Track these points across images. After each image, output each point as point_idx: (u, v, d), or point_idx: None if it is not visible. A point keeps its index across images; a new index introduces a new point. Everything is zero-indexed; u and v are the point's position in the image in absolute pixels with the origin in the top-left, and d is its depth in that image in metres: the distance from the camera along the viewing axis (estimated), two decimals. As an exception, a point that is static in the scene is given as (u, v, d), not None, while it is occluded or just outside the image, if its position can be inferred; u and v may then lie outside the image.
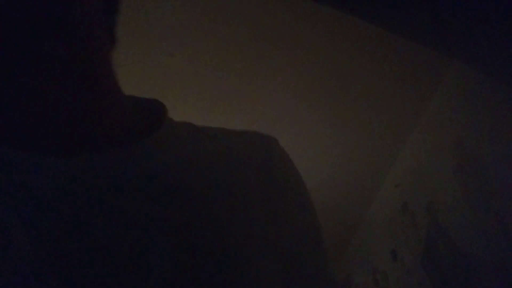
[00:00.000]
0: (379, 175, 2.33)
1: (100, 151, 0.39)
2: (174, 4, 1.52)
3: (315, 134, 2.07)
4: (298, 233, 0.46)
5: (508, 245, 1.51)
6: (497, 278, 1.57)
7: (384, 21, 1.15)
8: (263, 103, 1.90)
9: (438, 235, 1.92)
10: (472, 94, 1.68)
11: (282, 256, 0.43)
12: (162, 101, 0.49)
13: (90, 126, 0.40)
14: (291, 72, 1.78)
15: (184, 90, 1.80)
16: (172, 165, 0.41)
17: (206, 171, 0.43)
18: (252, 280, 0.39)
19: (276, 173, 0.46)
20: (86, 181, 0.37)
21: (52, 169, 0.37)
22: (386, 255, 2.38)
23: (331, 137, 2.09)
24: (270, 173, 0.46)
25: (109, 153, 0.39)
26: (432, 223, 1.96)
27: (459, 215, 1.77)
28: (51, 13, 0.36)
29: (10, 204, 0.36)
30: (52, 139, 0.39)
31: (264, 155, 0.47)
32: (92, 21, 0.40)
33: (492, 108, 1.58)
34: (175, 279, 0.37)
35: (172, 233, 0.38)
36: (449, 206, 1.84)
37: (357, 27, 1.54)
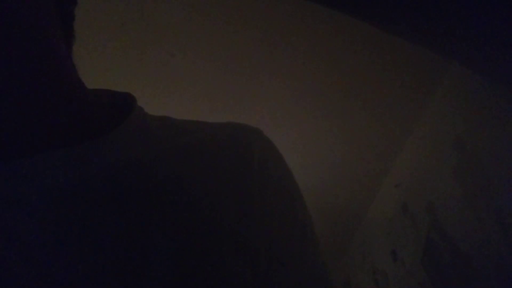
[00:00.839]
0: (379, 175, 2.33)
1: (56, 148, 0.37)
2: (174, 4, 1.52)
3: (315, 134, 2.07)
4: (278, 224, 0.43)
5: (508, 245, 1.52)
6: (497, 278, 1.57)
7: (384, 23, 1.16)
8: (263, 103, 1.90)
9: (438, 235, 1.92)
10: (472, 94, 1.68)
11: (257, 265, 0.40)
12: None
13: (47, 122, 0.38)
14: (292, 72, 1.78)
15: (184, 90, 1.80)
16: (133, 163, 0.40)
17: (172, 169, 0.41)
18: (228, 276, 0.38)
19: (254, 163, 0.44)
20: (34, 187, 0.36)
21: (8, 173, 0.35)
22: (386, 255, 2.38)
23: (331, 137, 2.09)
24: (248, 164, 0.44)
25: (68, 150, 0.37)
26: (432, 223, 1.96)
27: (459, 215, 1.77)
28: None
29: None
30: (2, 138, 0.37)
31: (242, 150, 0.45)
32: (40, 16, 0.38)
33: (492, 108, 1.58)
34: (171, 276, 0.36)
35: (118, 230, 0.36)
36: (449, 206, 1.84)
37: (357, 28, 1.54)
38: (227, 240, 0.39)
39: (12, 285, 0.33)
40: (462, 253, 1.76)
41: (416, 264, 2.08)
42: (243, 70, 1.76)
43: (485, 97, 1.60)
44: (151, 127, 0.44)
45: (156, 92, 1.73)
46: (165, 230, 0.37)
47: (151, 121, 0.45)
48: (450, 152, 1.81)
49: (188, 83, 1.78)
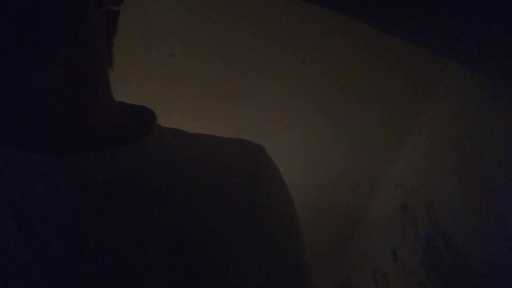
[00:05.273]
0: (379, 175, 2.33)
1: (92, 151, 0.40)
2: (174, 4, 1.52)
3: (315, 134, 2.07)
4: (279, 240, 0.47)
5: (508, 245, 1.52)
6: (497, 278, 1.57)
7: (384, 23, 1.16)
8: (263, 103, 1.90)
9: (438, 235, 1.92)
10: (472, 94, 1.68)
11: (264, 261, 0.45)
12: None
13: (84, 126, 0.42)
14: (292, 72, 1.78)
15: (184, 90, 1.80)
16: (159, 168, 0.43)
17: (190, 175, 0.45)
18: (235, 283, 0.41)
19: (260, 180, 0.48)
20: (80, 181, 0.39)
21: (47, 168, 0.38)
22: (386, 255, 2.38)
23: (332, 137, 2.09)
24: (254, 180, 0.47)
25: (102, 153, 0.40)
26: (432, 223, 1.96)
27: (459, 215, 1.77)
28: (60, 5, 0.37)
29: (5, 203, 0.36)
30: (47, 137, 0.40)
31: (250, 162, 0.49)
32: (96, 29, 0.42)
33: (492, 108, 1.58)
34: (169, 284, 0.38)
35: (162, 237, 0.40)
36: (449, 206, 1.84)
37: (357, 29, 1.54)
38: (238, 240, 0.43)
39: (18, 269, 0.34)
40: (462, 253, 1.76)
41: (416, 264, 2.08)
42: (243, 71, 1.76)
43: (485, 97, 1.60)
44: (169, 138, 0.47)
45: (156, 92, 1.73)
46: (160, 237, 0.40)
47: (168, 133, 0.48)
48: (450, 152, 1.81)
49: (188, 83, 1.78)
